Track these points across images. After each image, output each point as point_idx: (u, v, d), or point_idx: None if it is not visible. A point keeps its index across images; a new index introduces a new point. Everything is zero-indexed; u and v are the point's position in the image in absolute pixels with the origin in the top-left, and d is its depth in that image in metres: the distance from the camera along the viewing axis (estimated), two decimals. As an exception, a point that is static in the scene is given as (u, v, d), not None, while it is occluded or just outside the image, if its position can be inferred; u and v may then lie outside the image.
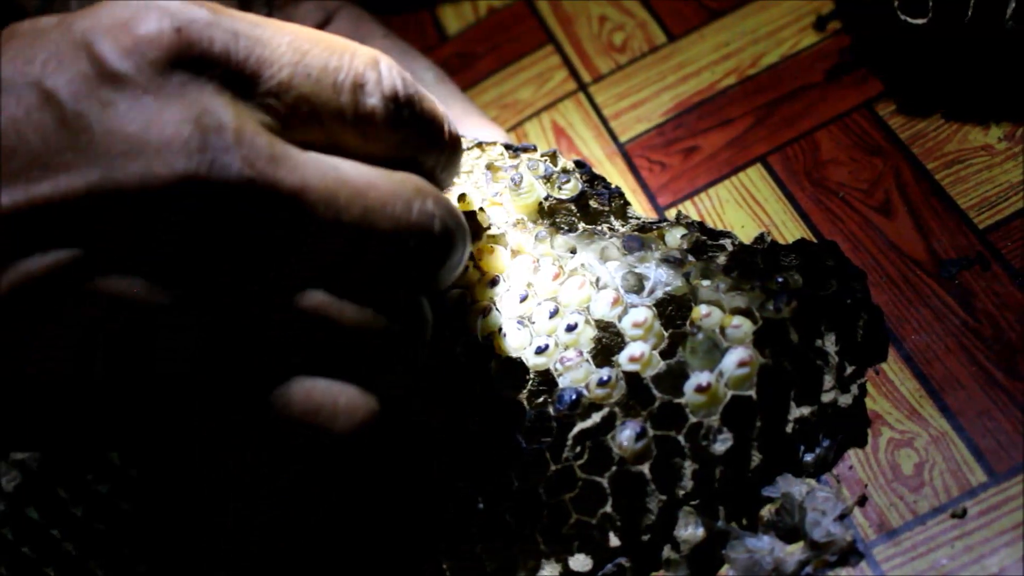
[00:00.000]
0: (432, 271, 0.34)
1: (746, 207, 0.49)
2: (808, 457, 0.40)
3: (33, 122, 0.29)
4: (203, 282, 0.31)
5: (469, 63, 0.63)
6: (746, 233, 0.48)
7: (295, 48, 0.32)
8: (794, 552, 0.38)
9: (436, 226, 0.33)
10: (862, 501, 0.39)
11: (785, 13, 0.57)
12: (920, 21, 0.46)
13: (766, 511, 0.40)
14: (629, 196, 0.52)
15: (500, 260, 0.44)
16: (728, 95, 0.54)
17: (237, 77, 0.31)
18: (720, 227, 0.49)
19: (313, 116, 0.32)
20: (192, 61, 0.30)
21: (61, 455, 0.44)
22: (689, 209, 0.50)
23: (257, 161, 0.30)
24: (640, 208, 0.52)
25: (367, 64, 0.33)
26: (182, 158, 0.29)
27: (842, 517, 0.39)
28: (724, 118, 0.54)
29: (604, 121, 0.56)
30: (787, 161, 0.50)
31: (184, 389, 0.32)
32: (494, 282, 0.43)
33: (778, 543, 0.39)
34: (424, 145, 0.35)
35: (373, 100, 0.33)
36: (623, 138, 0.55)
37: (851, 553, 0.38)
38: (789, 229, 0.48)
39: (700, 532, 0.39)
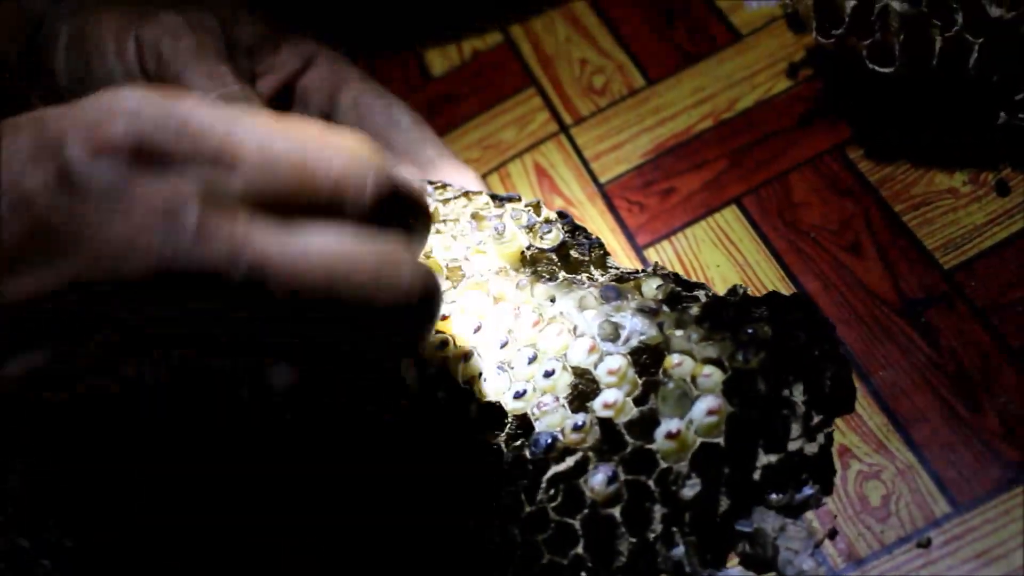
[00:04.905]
0: (406, 338, 0.35)
1: (721, 247, 0.51)
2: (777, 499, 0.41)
3: (8, 225, 0.31)
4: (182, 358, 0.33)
5: (453, 104, 0.65)
6: (721, 272, 0.50)
7: (266, 143, 0.33)
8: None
9: (410, 293, 0.34)
10: (832, 534, 0.40)
11: (759, 59, 0.59)
12: (888, 69, 0.48)
13: (740, 545, 0.41)
14: (608, 236, 0.54)
15: (482, 306, 0.45)
16: (704, 138, 0.56)
17: (206, 171, 0.32)
18: (696, 266, 0.51)
19: (289, 203, 0.33)
20: (158, 160, 0.32)
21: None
22: (666, 249, 0.52)
23: (220, 249, 0.31)
24: (619, 247, 0.53)
25: (347, 160, 0.34)
26: (145, 257, 0.31)
27: (813, 550, 0.40)
28: (700, 160, 0.55)
29: (585, 162, 0.58)
30: (761, 203, 0.52)
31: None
32: (476, 328, 0.44)
33: (749, 574, 0.40)
34: (405, 221, 0.36)
35: (356, 197, 0.33)
36: (603, 179, 0.57)
37: (822, 585, 0.39)
38: (763, 269, 0.49)
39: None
